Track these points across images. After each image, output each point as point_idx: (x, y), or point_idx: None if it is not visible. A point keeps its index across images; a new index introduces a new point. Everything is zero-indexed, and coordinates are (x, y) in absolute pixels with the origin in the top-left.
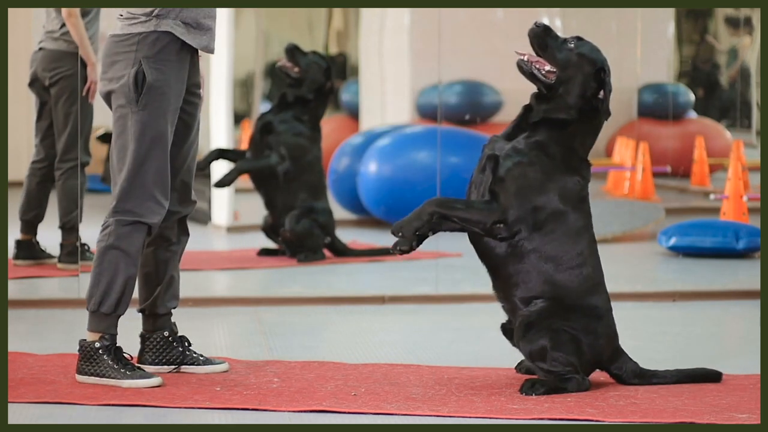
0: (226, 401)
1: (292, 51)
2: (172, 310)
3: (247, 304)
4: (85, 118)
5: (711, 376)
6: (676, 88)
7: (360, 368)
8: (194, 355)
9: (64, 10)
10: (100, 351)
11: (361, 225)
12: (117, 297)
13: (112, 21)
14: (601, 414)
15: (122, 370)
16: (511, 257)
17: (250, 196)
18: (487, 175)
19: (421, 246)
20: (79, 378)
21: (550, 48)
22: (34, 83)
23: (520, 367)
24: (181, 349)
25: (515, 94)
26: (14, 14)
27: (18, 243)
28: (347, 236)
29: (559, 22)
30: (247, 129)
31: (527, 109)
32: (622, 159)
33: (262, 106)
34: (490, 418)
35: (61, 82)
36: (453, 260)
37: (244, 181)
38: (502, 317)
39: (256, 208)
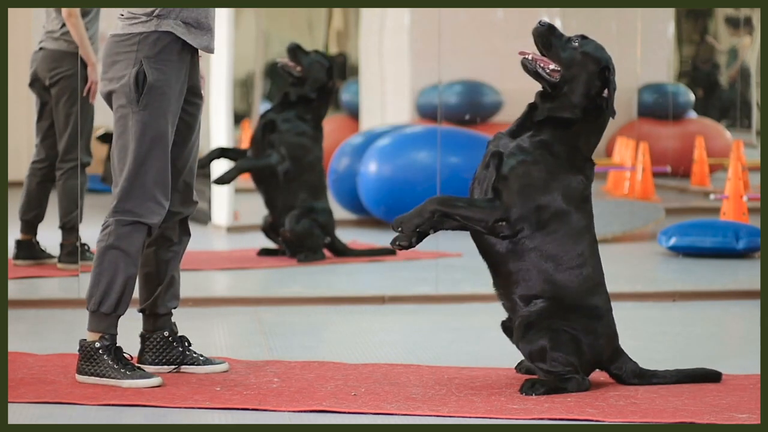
0: (226, 401)
1: (294, 50)
2: (173, 310)
3: (247, 304)
4: (85, 118)
5: (711, 376)
6: (676, 88)
7: (360, 368)
8: (194, 355)
9: (64, 10)
10: (100, 351)
11: (361, 225)
12: (117, 297)
13: (112, 21)
14: (601, 414)
15: (122, 370)
16: (512, 255)
17: (250, 196)
18: (490, 172)
19: (420, 246)
20: (79, 378)
21: (554, 47)
22: (35, 83)
23: (520, 367)
24: (181, 349)
25: (515, 94)
26: (14, 14)
27: (18, 243)
28: (347, 236)
29: (559, 22)
30: (247, 129)
31: (532, 107)
32: (622, 159)
33: (262, 106)
34: (490, 418)
35: (62, 83)
36: (453, 260)
37: (244, 180)
38: (502, 317)
39: (256, 208)
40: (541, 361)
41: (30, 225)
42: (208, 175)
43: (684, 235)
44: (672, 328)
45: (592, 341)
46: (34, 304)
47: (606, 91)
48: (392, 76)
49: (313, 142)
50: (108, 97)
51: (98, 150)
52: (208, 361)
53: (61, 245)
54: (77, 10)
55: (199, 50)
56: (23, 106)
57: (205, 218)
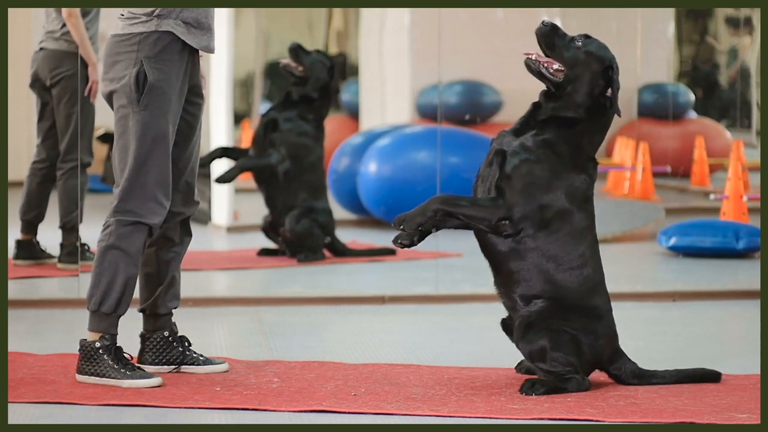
0: (226, 401)
1: (296, 50)
2: (173, 311)
3: (247, 304)
4: (86, 118)
5: (710, 376)
6: (676, 88)
7: (360, 368)
8: (194, 355)
9: (64, 10)
10: (101, 351)
11: (361, 225)
12: (117, 297)
13: (112, 21)
14: (601, 414)
15: (122, 370)
16: (513, 254)
17: (250, 196)
18: (494, 170)
19: (420, 246)
20: (79, 378)
21: (557, 46)
22: (35, 84)
23: (520, 367)
24: (181, 349)
25: (515, 94)
26: (14, 14)
27: (18, 243)
28: (347, 236)
29: (560, 22)
30: (247, 129)
31: (536, 106)
32: (622, 159)
33: (262, 106)
34: (490, 418)
35: (63, 83)
36: (453, 260)
37: (245, 180)
38: (503, 317)
39: (256, 208)
40: (541, 361)
41: (30, 225)
42: (208, 175)
43: (684, 235)
44: (672, 328)
45: (592, 341)
46: (34, 304)
47: (610, 90)
48: (392, 76)
49: (314, 142)
50: (109, 97)
51: (98, 150)
52: (208, 361)
53: (62, 245)
54: (77, 10)
55: (200, 50)
56: (23, 107)
57: (205, 218)
